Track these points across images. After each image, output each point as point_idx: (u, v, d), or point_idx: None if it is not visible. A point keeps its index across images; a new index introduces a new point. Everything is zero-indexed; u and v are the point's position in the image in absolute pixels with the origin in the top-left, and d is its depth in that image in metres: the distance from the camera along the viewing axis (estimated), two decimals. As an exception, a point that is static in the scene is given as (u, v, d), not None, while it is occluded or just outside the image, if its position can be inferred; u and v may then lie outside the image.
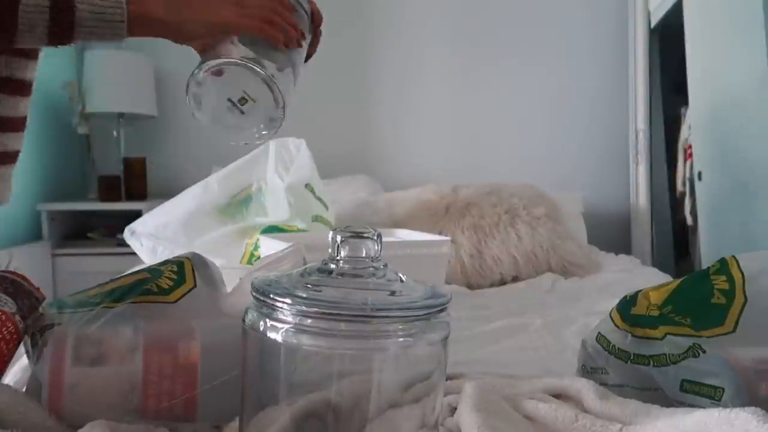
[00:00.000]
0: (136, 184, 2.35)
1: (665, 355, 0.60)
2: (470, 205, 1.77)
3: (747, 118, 1.66)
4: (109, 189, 2.29)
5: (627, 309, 0.66)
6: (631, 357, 0.62)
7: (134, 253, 2.16)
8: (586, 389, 0.56)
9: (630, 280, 1.54)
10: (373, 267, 0.45)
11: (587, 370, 0.68)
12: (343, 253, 0.46)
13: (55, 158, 2.29)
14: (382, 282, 0.45)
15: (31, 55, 0.80)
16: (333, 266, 0.46)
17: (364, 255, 0.46)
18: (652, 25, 2.37)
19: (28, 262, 2.04)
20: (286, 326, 0.41)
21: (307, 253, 1.12)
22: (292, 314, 0.41)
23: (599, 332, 0.67)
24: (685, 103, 2.16)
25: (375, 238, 0.46)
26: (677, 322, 0.60)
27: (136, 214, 2.23)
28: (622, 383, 0.63)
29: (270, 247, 1.25)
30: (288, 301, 0.41)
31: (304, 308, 0.41)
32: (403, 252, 1.23)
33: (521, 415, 0.53)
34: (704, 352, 0.57)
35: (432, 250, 1.27)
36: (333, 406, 0.42)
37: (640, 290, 0.66)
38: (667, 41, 2.40)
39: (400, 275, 0.47)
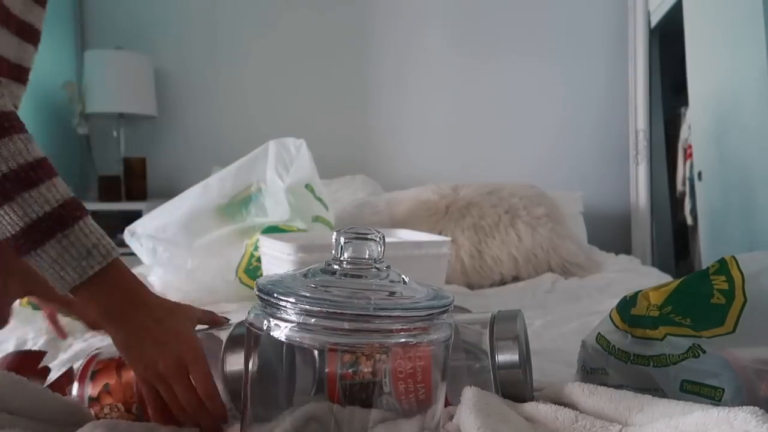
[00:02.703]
0: (136, 184, 2.35)
1: (665, 355, 0.60)
2: (470, 205, 1.77)
3: (747, 118, 1.66)
4: (109, 189, 2.29)
5: (627, 309, 0.66)
6: (631, 357, 0.62)
7: (134, 254, 2.17)
8: (577, 392, 0.56)
9: (630, 280, 1.54)
10: (376, 268, 0.46)
11: (587, 371, 0.67)
12: (346, 254, 0.46)
13: (55, 158, 2.26)
14: (385, 283, 0.45)
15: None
16: (336, 267, 0.46)
17: (367, 256, 0.46)
18: (652, 25, 2.37)
19: (28, 263, 2.04)
20: (290, 325, 0.41)
21: (307, 253, 1.12)
22: (296, 313, 0.41)
23: (599, 333, 0.67)
24: (685, 103, 2.16)
25: (378, 239, 0.46)
26: (677, 322, 0.60)
27: (136, 214, 2.23)
28: (622, 384, 0.62)
29: (270, 247, 1.25)
30: (292, 300, 0.41)
31: (307, 307, 0.41)
32: (403, 252, 1.23)
33: (521, 416, 0.53)
34: (704, 352, 0.57)
35: (432, 250, 1.27)
36: (334, 410, 0.42)
37: (640, 290, 0.66)
38: (667, 41, 2.40)
39: (403, 276, 0.47)
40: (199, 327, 0.62)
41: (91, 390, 0.60)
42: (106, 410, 0.59)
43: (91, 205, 2.30)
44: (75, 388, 0.61)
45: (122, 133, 2.42)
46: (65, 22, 2.44)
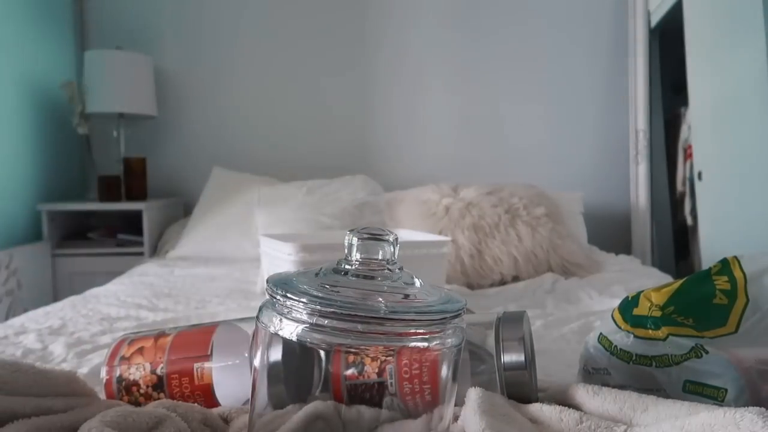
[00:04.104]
0: (136, 184, 2.35)
1: (668, 355, 0.60)
2: (470, 205, 1.77)
3: (747, 118, 1.66)
4: (109, 189, 2.28)
5: (629, 309, 0.66)
6: (634, 358, 0.62)
7: (134, 254, 2.17)
8: (581, 393, 0.57)
9: (630, 280, 1.54)
10: (388, 269, 0.45)
11: (589, 371, 0.67)
12: (358, 255, 0.45)
13: (55, 158, 2.28)
14: (398, 285, 0.45)
15: None
16: (348, 267, 0.45)
17: (380, 257, 0.45)
18: (652, 25, 2.37)
19: (28, 262, 2.04)
20: (301, 325, 0.41)
21: (308, 253, 1.12)
22: (308, 313, 0.41)
23: (601, 333, 0.67)
24: (685, 103, 2.16)
25: (391, 240, 0.46)
26: (679, 322, 0.60)
27: (136, 214, 2.23)
28: (624, 384, 0.63)
29: (270, 247, 1.25)
30: (304, 300, 0.41)
31: (319, 308, 0.40)
32: (403, 252, 1.22)
33: (526, 417, 0.53)
34: (707, 352, 0.57)
35: (432, 250, 1.27)
36: (341, 410, 0.42)
37: (642, 291, 0.66)
38: (667, 41, 2.40)
39: (416, 279, 0.46)
40: (222, 318, 0.65)
41: (126, 351, 0.62)
42: (132, 369, 0.61)
43: (91, 205, 2.30)
44: (103, 371, 0.62)
45: (122, 133, 2.42)
46: (65, 22, 2.44)
